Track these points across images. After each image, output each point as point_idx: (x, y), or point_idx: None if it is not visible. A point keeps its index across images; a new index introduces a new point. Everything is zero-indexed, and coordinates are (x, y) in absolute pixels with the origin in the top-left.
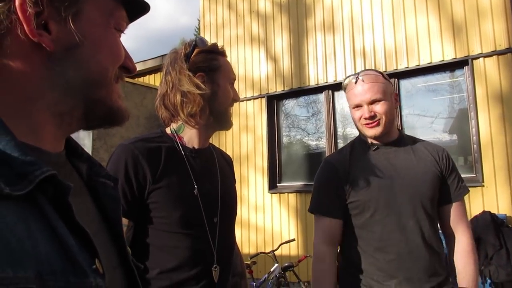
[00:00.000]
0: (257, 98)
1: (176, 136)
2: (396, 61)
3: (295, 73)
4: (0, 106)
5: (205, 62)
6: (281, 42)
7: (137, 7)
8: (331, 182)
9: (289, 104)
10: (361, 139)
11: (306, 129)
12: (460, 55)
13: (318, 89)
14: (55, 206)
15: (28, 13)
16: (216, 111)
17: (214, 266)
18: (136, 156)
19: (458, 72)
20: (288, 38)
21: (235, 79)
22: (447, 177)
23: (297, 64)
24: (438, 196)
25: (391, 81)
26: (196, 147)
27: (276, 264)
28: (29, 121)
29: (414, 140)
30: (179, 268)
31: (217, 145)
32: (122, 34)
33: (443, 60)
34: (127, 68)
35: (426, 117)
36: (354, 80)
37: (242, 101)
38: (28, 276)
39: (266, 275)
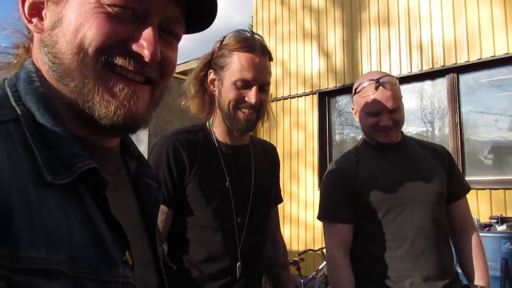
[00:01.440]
0: (308, 94)
1: (211, 130)
2: (455, 55)
3: (348, 69)
4: (55, 94)
5: (217, 59)
6: (333, 37)
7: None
8: (340, 186)
9: (343, 101)
10: (365, 141)
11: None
12: None
13: None
14: (94, 197)
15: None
16: (222, 111)
17: (238, 263)
18: (177, 147)
19: None
20: (341, 33)
21: (245, 80)
22: (450, 174)
23: (350, 60)
24: (446, 193)
25: (451, 76)
26: (229, 143)
27: (325, 262)
28: (74, 114)
29: (414, 140)
30: (208, 261)
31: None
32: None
33: (508, 53)
34: (136, 53)
35: (490, 115)
36: (373, 85)
37: (293, 97)
38: (60, 259)
39: (314, 273)
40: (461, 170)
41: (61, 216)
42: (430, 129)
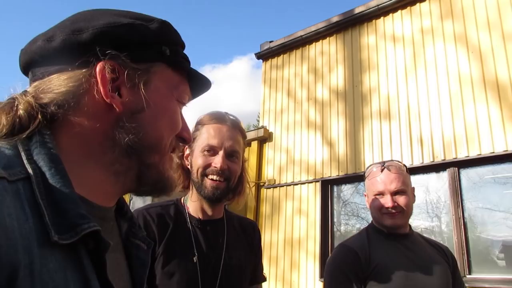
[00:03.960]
0: (311, 182)
1: (185, 205)
2: (455, 150)
3: (351, 158)
4: (67, 159)
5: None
6: (337, 128)
7: (201, 84)
8: (351, 269)
9: (348, 191)
10: (375, 228)
11: (367, 218)
12: None
13: None
14: (92, 260)
15: (105, 78)
16: (193, 182)
17: None
18: (148, 221)
19: None
20: (344, 124)
21: (211, 145)
22: (453, 275)
23: (353, 150)
24: None
25: (452, 170)
26: (201, 218)
27: None
28: (87, 176)
29: (422, 236)
30: None
31: (269, 226)
32: (184, 107)
33: (507, 150)
34: (183, 138)
35: (498, 212)
36: (379, 168)
37: (297, 184)
38: None
39: None
40: (467, 267)
41: (60, 278)
42: (434, 223)
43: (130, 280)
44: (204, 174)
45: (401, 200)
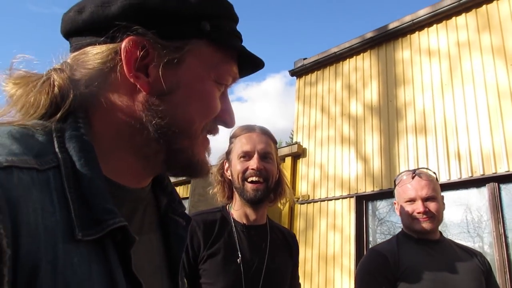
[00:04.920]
0: (346, 197)
1: (229, 212)
2: (495, 165)
3: (385, 174)
4: (98, 143)
5: (228, 150)
6: (371, 143)
7: (251, 63)
8: (381, 272)
9: (384, 209)
10: (405, 234)
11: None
12: None
13: None
14: (118, 252)
15: (130, 56)
16: (236, 190)
17: None
18: (194, 228)
19: None
20: (378, 140)
21: (246, 151)
22: (488, 280)
23: (388, 165)
24: None
25: (491, 185)
26: (245, 223)
27: None
28: (117, 158)
29: (453, 242)
30: None
31: (303, 242)
32: (229, 88)
33: None
34: (224, 121)
35: None
36: (410, 175)
37: (331, 200)
38: None
39: None
40: (509, 286)
41: (83, 271)
42: (476, 243)
43: (166, 259)
44: (244, 179)
45: (432, 206)
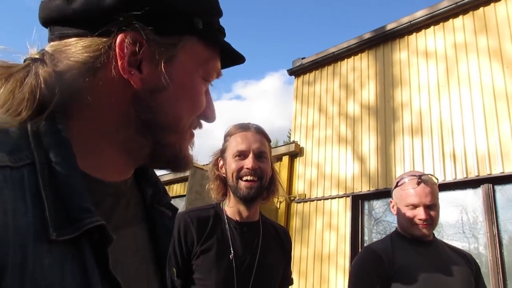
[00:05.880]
0: (342, 197)
1: (222, 209)
2: (490, 166)
3: (381, 174)
4: (77, 138)
5: (222, 148)
6: (368, 143)
7: (232, 58)
8: (375, 270)
9: (380, 209)
10: (399, 234)
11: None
12: None
13: None
14: (95, 252)
15: (124, 51)
16: (230, 187)
17: None
18: (188, 224)
19: None
20: (375, 140)
21: (241, 150)
22: (477, 281)
23: (384, 165)
24: None
25: (486, 186)
26: (238, 219)
27: None
28: (97, 153)
29: (445, 243)
30: None
31: (299, 241)
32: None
33: None
34: (206, 116)
35: None
36: (415, 181)
37: (327, 199)
38: None
39: None
40: (502, 286)
41: (56, 274)
42: (471, 244)
43: (152, 251)
44: (239, 177)
45: (433, 213)
